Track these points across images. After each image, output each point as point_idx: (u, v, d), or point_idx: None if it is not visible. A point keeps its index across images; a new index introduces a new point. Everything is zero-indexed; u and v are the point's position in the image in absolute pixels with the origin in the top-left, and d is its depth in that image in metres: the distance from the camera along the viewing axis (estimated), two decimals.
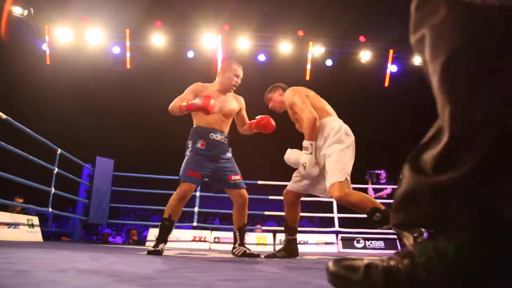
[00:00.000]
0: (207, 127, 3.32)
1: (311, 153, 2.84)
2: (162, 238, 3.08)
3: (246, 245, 3.36)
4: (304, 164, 2.85)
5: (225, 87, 3.39)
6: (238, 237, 3.36)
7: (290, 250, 3.22)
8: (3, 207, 5.07)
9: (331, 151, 2.78)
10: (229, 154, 3.38)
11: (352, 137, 2.89)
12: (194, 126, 3.44)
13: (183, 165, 3.29)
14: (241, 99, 3.59)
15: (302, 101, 2.96)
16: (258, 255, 3.17)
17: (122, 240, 9.01)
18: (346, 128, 2.91)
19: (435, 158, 0.71)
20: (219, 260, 2.57)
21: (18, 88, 9.83)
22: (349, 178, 2.73)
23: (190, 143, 3.36)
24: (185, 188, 3.22)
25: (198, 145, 3.28)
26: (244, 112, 3.59)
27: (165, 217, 3.16)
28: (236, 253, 3.28)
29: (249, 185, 3.66)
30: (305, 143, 2.86)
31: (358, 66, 9.70)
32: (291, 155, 3.07)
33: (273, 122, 3.44)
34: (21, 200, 5.57)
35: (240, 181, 3.36)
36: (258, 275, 1.45)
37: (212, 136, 3.29)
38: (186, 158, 3.31)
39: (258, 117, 3.48)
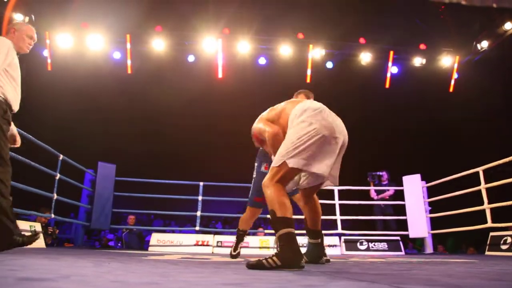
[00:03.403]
0: None
1: None
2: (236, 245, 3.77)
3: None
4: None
5: None
6: None
7: (311, 255, 2.86)
8: None
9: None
10: None
11: (313, 112, 2.24)
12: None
13: (251, 189, 3.66)
14: None
15: (262, 123, 2.56)
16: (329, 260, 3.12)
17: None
18: (309, 103, 2.38)
19: None
20: (222, 264, 2.56)
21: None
22: (298, 163, 2.12)
23: (256, 164, 3.65)
24: (254, 212, 3.70)
25: (262, 168, 3.58)
26: None
27: (239, 229, 3.79)
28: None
29: None
30: (273, 162, 2.27)
31: (359, 68, 9.71)
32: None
33: None
34: (48, 212, 5.52)
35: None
36: (262, 279, 1.44)
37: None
38: (253, 180, 3.65)
39: None
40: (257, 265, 2.00)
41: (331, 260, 3.25)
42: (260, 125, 2.56)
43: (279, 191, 2.16)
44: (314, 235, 2.91)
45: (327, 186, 2.68)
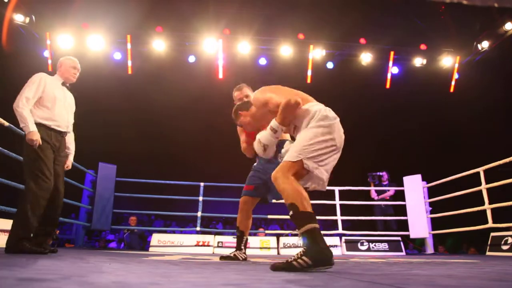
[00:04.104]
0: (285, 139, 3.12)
1: (277, 138, 2.36)
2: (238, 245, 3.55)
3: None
4: (265, 146, 2.38)
5: None
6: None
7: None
8: (6, 214, 5.06)
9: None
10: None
11: (334, 121, 2.26)
12: None
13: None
14: None
15: (276, 93, 2.43)
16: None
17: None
18: (328, 110, 2.32)
19: None
20: (223, 264, 2.56)
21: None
22: (312, 165, 2.12)
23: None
24: (242, 202, 3.56)
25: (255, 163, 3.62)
26: None
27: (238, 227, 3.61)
28: None
29: None
30: (273, 123, 2.32)
31: (359, 68, 9.70)
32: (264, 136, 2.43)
33: None
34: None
35: None
36: (263, 279, 1.44)
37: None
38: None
39: None
40: (286, 267, 1.86)
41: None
42: (270, 94, 2.42)
43: (298, 185, 2.09)
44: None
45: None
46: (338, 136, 2.25)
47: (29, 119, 3.11)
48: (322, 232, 3.16)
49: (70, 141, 3.64)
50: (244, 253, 3.52)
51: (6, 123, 3.98)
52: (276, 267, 1.92)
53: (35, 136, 3.09)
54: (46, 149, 3.20)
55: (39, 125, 3.19)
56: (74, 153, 3.77)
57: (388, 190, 7.83)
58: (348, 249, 6.99)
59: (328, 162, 2.21)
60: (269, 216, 7.38)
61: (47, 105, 3.29)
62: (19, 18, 8.28)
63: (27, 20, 8.41)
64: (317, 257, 1.86)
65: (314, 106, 2.30)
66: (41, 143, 3.13)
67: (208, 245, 6.71)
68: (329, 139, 2.18)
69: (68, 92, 3.55)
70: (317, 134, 2.17)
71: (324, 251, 1.90)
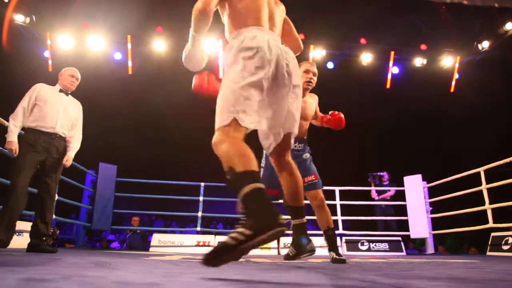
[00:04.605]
0: None
1: (196, 48, 2.02)
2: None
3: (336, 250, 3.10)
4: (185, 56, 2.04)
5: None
6: (325, 241, 3.15)
7: (297, 243, 2.35)
8: None
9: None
10: (304, 156, 3.28)
11: (260, 48, 1.81)
12: None
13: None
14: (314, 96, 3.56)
15: None
16: (344, 261, 2.96)
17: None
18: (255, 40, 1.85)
19: None
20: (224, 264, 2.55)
21: (20, 95, 9.82)
22: (248, 115, 1.69)
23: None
24: None
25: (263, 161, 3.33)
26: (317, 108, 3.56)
27: None
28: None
29: None
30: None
31: (360, 68, 9.70)
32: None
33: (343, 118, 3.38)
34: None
35: (312, 182, 3.18)
36: (263, 279, 1.44)
37: None
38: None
39: (330, 112, 3.44)
40: (217, 250, 1.39)
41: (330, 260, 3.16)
42: None
43: (236, 144, 1.62)
44: (295, 212, 2.18)
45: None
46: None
47: (11, 130, 3.49)
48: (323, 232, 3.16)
49: (73, 140, 3.81)
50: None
51: (7, 123, 3.98)
52: (205, 257, 1.40)
53: (13, 145, 3.44)
54: (27, 153, 3.47)
55: (27, 130, 3.55)
56: (75, 150, 3.87)
57: (389, 190, 7.83)
58: (348, 249, 6.98)
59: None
60: None
61: (37, 109, 3.59)
62: (19, 18, 8.29)
63: (28, 20, 8.41)
64: (258, 224, 1.35)
65: (243, 34, 1.90)
66: (17, 152, 3.45)
67: (208, 245, 6.71)
68: (255, 70, 1.78)
69: (71, 100, 3.88)
70: (246, 72, 1.77)
71: (269, 213, 1.36)
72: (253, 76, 1.76)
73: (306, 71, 3.35)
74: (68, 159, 3.79)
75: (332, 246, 3.10)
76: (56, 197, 5.35)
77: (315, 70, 3.42)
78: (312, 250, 2.11)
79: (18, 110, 3.57)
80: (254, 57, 1.79)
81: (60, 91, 3.79)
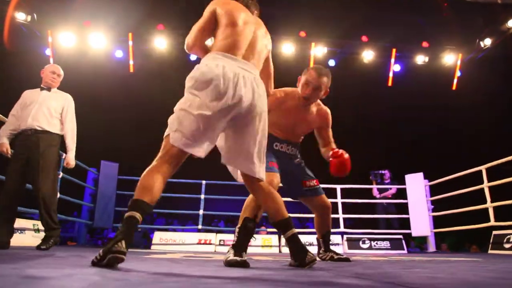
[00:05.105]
0: (274, 135, 2.92)
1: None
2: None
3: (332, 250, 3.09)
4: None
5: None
6: (322, 244, 3.11)
7: (294, 254, 2.11)
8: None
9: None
10: (296, 162, 3.05)
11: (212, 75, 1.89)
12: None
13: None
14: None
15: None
16: (347, 259, 2.94)
17: None
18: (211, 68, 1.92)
19: None
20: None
21: (21, 93, 9.84)
22: (185, 137, 1.87)
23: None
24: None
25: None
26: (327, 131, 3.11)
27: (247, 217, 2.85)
28: (323, 258, 3.05)
29: None
30: None
31: (361, 66, 9.67)
32: None
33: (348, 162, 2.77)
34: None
35: (314, 187, 3.06)
36: (265, 277, 1.44)
37: (276, 146, 2.93)
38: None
39: (332, 151, 2.80)
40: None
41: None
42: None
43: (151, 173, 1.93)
44: (285, 225, 2.06)
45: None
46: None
47: (1, 134, 3.69)
48: None
49: (67, 136, 3.84)
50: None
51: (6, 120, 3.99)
52: None
53: (3, 146, 3.62)
54: (12, 155, 3.64)
55: (10, 137, 3.72)
56: (73, 150, 3.88)
57: (390, 188, 7.83)
58: (349, 247, 6.99)
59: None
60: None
61: (18, 114, 3.76)
62: (20, 16, 8.28)
63: (29, 18, 8.41)
64: (108, 248, 1.56)
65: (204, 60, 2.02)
66: (9, 152, 3.64)
67: (210, 243, 6.72)
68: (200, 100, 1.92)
69: (55, 95, 3.93)
70: (194, 99, 1.96)
71: (120, 238, 1.57)
72: (206, 109, 1.87)
73: (306, 83, 2.81)
74: (68, 161, 3.84)
75: (329, 247, 3.11)
76: (58, 195, 5.36)
77: (320, 83, 2.78)
78: (314, 260, 1.99)
79: (9, 117, 3.77)
80: (208, 88, 1.88)
81: (42, 88, 3.89)
